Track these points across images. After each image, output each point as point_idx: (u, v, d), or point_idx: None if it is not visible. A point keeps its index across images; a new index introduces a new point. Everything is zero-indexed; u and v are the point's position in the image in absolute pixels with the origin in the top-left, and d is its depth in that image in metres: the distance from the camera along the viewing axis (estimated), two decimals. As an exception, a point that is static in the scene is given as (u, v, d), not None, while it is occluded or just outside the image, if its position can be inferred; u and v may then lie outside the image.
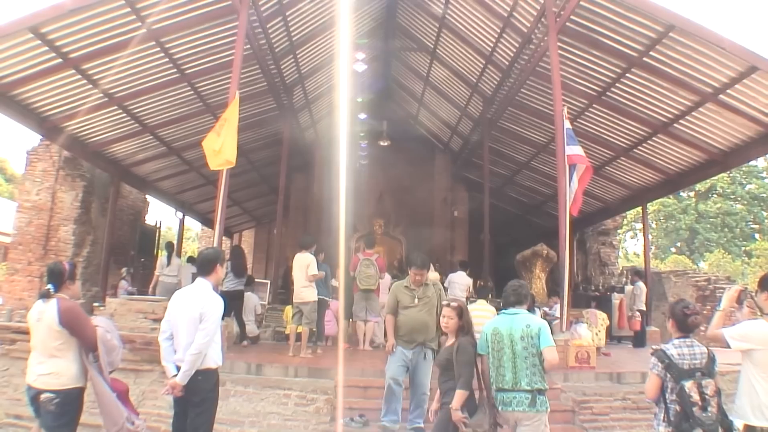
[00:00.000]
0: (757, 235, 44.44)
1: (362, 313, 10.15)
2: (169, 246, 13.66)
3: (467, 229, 19.83)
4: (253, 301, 11.14)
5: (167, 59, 10.96)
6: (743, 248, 42.42)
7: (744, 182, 45.81)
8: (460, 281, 12.05)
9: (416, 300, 6.06)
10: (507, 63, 12.86)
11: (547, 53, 10.15)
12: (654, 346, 4.04)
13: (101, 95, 11.13)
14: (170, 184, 17.16)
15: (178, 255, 21.19)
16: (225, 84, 11.62)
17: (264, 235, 25.35)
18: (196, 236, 38.54)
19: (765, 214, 44.69)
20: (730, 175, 43.00)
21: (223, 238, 12.26)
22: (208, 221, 21.40)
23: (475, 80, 14.77)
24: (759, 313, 4.04)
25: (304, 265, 9.08)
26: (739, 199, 45.24)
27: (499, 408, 4.38)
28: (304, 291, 9.05)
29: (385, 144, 18.66)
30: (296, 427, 6.47)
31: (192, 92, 12.47)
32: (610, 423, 6.82)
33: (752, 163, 42.53)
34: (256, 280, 13.31)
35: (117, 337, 4.48)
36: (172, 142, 14.31)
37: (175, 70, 11.42)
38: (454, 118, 17.93)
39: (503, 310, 4.65)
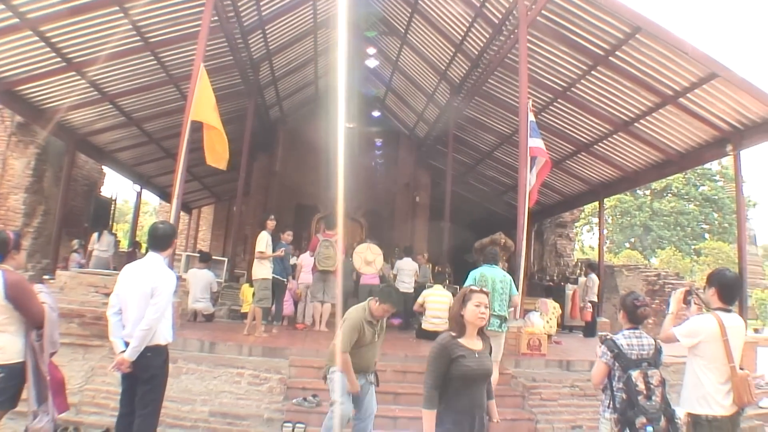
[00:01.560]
0: (707, 235, 46.05)
1: (320, 294, 10.14)
2: (103, 223, 13.84)
3: (428, 215, 19.94)
4: (208, 279, 11.00)
5: (131, 26, 10.64)
6: (693, 247, 43.89)
7: (698, 184, 47.38)
8: (407, 267, 12.27)
9: (376, 337, 5.28)
10: (476, 53, 12.89)
11: (516, 46, 10.21)
12: (601, 333, 4.15)
13: (59, 59, 10.77)
14: (128, 155, 16.75)
15: (134, 230, 21.09)
16: (190, 55, 11.36)
17: (223, 212, 25.01)
18: (153, 211, 37.86)
19: (716, 215, 46.34)
20: (685, 176, 44.42)
21: (181, 213, 12.05)
22: (166, 195, 20.99)
23: (444, 68, 14.77)
24: (706, 309, 4.16)
25: (256, 242, 9.12)
26: (692, 199, 46.79)
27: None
28: (255, 268, 9.16)
29: (351, 126, 18.58)
30: (248, 406, 6.44)
31: (155, 62, 12.15)
32: (558, 409, 6.99)
33: (707, 165, 43.97)
34: (213, 257, 13.16)
35: (56, 312, 4.37)
36: (132, 112, 13.96)
37: (138, 37, 11.10)
38: (421, 104, 17.94)
39: (486, 265, 7.01)
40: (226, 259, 14.42)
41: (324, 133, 18.96)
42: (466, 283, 6.74)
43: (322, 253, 9.98)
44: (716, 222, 46.51)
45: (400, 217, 19.75)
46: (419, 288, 12.25)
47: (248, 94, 14.62)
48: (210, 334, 8.64)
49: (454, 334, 3.59)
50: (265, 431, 6.11)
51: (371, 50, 16.85)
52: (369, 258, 10.88)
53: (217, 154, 9.00)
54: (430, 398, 3.50)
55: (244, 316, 10.15)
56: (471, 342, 3.59)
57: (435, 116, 17.57)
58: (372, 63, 17.42)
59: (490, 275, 6.80)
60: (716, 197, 46.13)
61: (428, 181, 20.34)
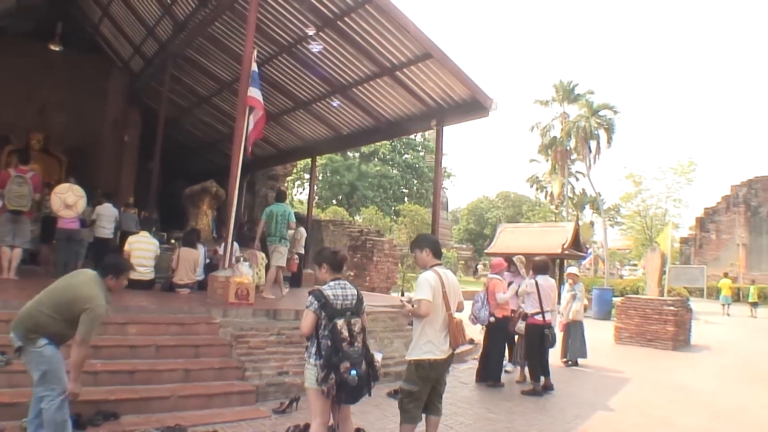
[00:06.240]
0: (406, 198, 51.58)
1: (9, 237, 8.95)
2: None
3: (136, 157, 18.67)
4: None
5: None
6: (394, 208, 48.67)
7: (402, 152, 52.79)
8: (108, 213, 11.70)
9: None
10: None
11: (248, -8, 9.97)
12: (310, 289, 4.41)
13: None
14: None
15: None
16: None
17: None
18: None
19: (415, 181, 52.35)
20: (392, 144, 49.09)
21: None
22: None
23: (169, 1, 13.78)
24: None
25: None
26: (396, 165, 51.96)
27: (269, 242, 9.90)
28: None
29: (57, 49, 16.44)
30: None
31: None
32: (265, 356, 7.18)
33: (411, 136, 49.04)
34: None
35: None
36: None
37: None
38: (140, 36, 16.52)
39: (277, 203, 10.42)
40: None
41: (23, 53, 16.55)
42: (263, 216, 10.16)
43: (13, 191, 8.79)
44: (415, 187, 52.66)
45: (105, 157, 18.15)
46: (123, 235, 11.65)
47: None
48: None
49: None
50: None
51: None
52: (70, 201, 9.81)
53: None
54: None
55: None
56: None
57: (153, 52, 16.38)
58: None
59: (276, 210, 9.97)
60: (417, 165, 52.02)
61: (139, 120, 18.91)
